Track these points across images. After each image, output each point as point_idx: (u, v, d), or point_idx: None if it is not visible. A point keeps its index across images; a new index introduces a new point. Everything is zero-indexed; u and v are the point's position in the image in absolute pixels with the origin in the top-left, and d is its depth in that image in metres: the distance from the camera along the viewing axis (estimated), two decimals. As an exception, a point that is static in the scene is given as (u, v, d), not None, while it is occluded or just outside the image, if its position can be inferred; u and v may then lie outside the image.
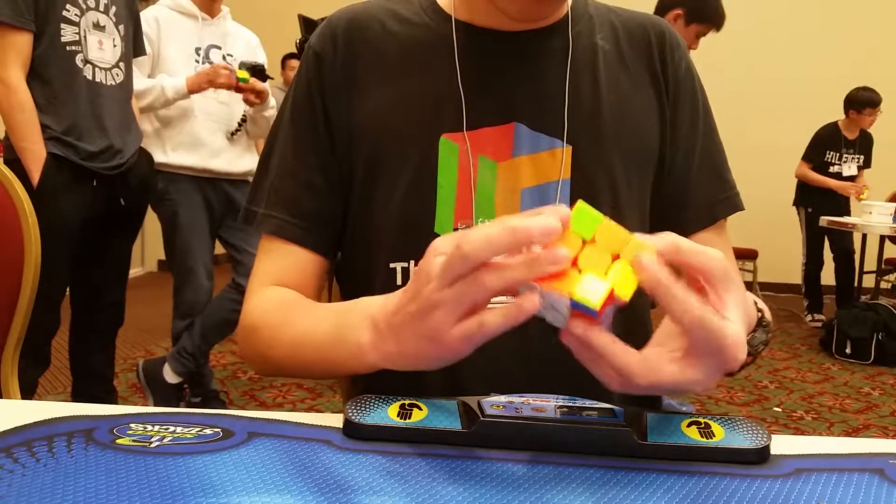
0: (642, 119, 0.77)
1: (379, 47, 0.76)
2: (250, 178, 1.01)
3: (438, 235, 0.55)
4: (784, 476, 0.50)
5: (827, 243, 4.64)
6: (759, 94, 5.64)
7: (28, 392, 1.90)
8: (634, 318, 0.76)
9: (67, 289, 2.08)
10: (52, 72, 1.84)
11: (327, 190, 0.76)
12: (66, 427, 0.54)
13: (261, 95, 2.39)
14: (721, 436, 0.54)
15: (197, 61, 2.40)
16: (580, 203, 0.46)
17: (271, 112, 2.50)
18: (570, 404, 0.58)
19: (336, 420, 0.58)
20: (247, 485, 0.46)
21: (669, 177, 0.79)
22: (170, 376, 2.49)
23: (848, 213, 4.51)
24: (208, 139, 2.41)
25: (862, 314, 3.83)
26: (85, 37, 1.89)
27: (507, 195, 0.74)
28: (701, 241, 0.49)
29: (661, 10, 2.60)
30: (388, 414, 0.56)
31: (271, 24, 4.04)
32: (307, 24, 2.91)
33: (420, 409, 0.56)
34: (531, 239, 0.45)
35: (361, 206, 0.76)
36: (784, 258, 5.18)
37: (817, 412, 3.01)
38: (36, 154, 1.80)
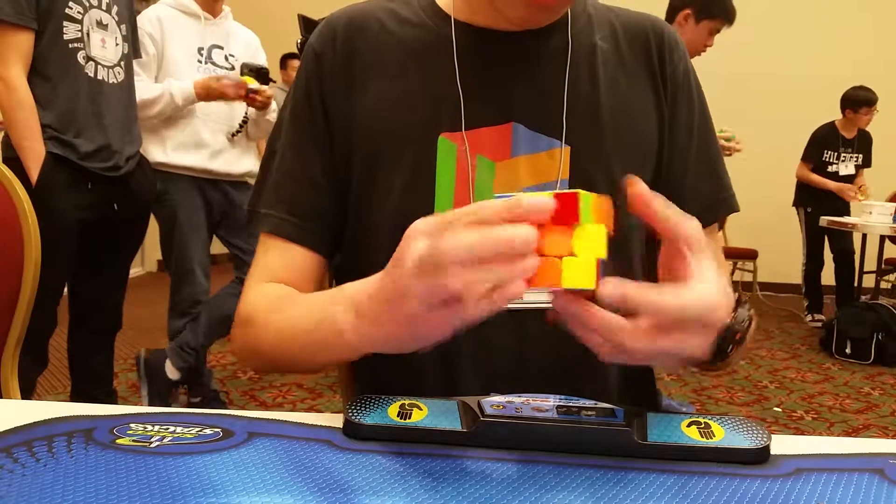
0: (641, 119, 0.77)
1: (378, 47, 0.76)
2: (250, 179, 1.01)
3: None
4: (784, 476, 0.50)
5: (827, 243, 4.64)
6: (759, 94, 5.64)
7: (27, 392, 1.90)
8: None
9: (65, 289, 2.08)
10: (53, 68, 1.84)
11: (326, 189, 0.76)
12: (65, 427, 0.54)
13: (266, 101, 2.39)
14: (721, 436, 0.54)
15: (199, 61, 2.38)
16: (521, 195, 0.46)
17: (273, 114, 2.50)
18: (570, 404, 0.58)
19: (336, 420, 0.58)
20: (247, 485, 0.46)
21: (666, 177, 0.79)
22: (171, 372, 2.49)
23: (848, 213, 4.51)
24: (210, 140, 2.40)
25: (862, 314, 3.83)
26: (88, 34, 1.89)
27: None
28: None
29: (670, 13, 2.60)
30: (388, 414, 0.56)
31: (271, 24, 4.03)
32: (307, 24, 2.90)
33: (420, 409, 0.57)
34: (513, 248, 0.45)
35: (360, 205, 0.76)
36: (784, 258, 5.18)
37: (817, 412, 3.00)
38: (35, 152, 1.80)
